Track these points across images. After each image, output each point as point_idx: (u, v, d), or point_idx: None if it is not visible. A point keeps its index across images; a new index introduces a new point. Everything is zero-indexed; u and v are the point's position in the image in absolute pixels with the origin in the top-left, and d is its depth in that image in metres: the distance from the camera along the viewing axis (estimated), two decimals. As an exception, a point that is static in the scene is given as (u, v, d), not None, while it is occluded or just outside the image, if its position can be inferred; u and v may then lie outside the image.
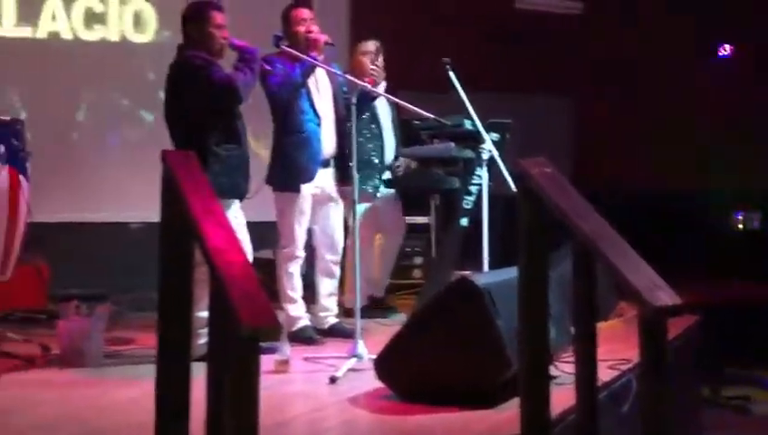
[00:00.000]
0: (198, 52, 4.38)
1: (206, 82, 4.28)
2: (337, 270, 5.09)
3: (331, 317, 5.07)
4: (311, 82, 4.89)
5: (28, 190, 5.00)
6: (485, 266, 4.88)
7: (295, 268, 4.89)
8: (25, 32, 6.68)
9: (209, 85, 4.29)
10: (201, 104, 4.29)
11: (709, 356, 5.32)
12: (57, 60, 6.73)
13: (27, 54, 6.66)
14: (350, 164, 4.47)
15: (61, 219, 6.24)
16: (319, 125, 4.88)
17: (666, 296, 2.30)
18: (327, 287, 5.07)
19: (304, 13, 4.94)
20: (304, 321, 4.90)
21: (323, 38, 4.80)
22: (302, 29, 4.86)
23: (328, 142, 4.94)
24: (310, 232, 5.00)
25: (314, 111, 4.88)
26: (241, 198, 4.44)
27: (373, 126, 5.64)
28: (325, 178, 4.94)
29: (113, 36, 6.89)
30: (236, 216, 4.32)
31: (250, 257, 4.04)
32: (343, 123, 4.99)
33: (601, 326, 4.38)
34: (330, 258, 5.05)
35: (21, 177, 4.97)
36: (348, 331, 4.74)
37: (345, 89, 4.99)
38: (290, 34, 4.85)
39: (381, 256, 5.84)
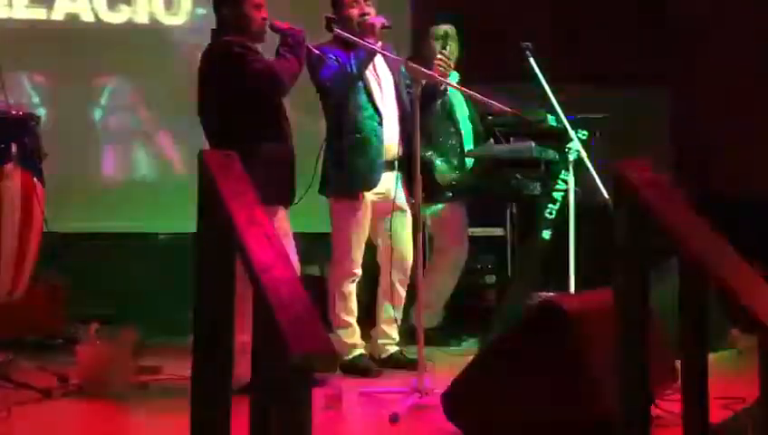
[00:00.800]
0: (235, 36, 4.44)
1: (244, 70, 4.34)
2: (403, 292, 5.10)
3: (391, 346, 5.09)
4: (369, 73, 4.91)
5: (43, 196, 5.07)
6: (572, 287, 4.87)
7: (351, 288, 4.92)
8: (39, 13, 6.77)
9: (248, 74, 4.35)
10: (240, 96, 4.35)
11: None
12: (76, 46, 6.81)
13: (41, 40, 6.74)
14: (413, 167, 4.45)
15: (80, 229, 6.31)
16: (380, 123, 4.89)
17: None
18: (389, 311, 5.09)
19: None
20: (360, 349, 4.93)
21: (380, 21, 4.82)
22: (355, 11, 4.89)
23: (391, 143, 4.95)
24: (369, 246, 5.01)
25: (374, 106, 4.89)
26: (287, 204, 4.47)
27: (449, 123, 5.66)
28: (389, 184, 4.94)
29: (141, 18, 6.95)
30: (281, 225, 4.35)
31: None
32: (409, 120, 4.99)
33: (712, 358, 4.37)
34: (395, 278, 5.04)
35: (35, 180, 5.03)
36: (410, 361, 4.75)
37: (408, 81, 4.99)
38: (341, 18, 4.88)
39: (439, 276, 5.82)
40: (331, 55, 4.82)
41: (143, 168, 6.82)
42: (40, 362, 4.78)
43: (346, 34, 4.74)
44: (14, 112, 5.04)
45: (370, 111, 4.89)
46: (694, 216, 2.66)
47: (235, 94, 4.38)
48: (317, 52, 4.76)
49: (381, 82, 4.99)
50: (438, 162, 5.63)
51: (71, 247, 6.07)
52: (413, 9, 7.40)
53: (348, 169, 4.84)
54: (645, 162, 2.80)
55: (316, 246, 5.46)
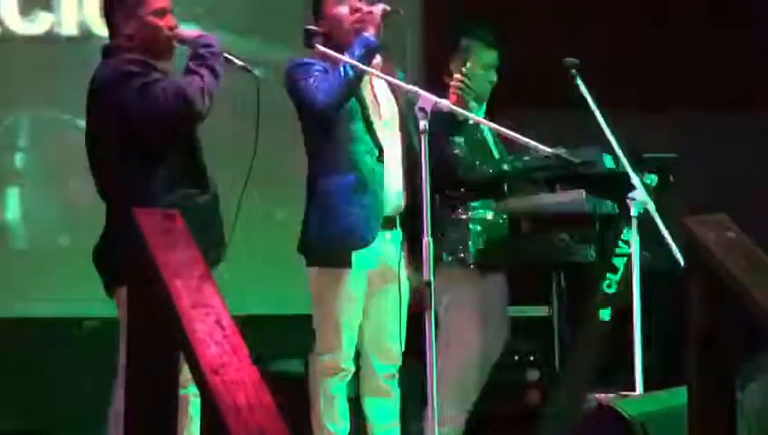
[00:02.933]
0: (131, 54, 4.44)
1: (143, 96, 4.30)
2: (387, 389, 5.08)
3: None
4: (365, 94, 4.93)
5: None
6: (639, 386, 4.89)
7: (339, 388, 4.92)
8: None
9: (149, 101, 4.30)
10: (139, 132, 4.32)
11: None
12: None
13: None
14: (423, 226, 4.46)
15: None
16: (380, 160, 4.90)
17: None
18: (382, 415, 5.06)
19: None
20: None
21: (380, 8, 4.84)
22: (343, 9, 4.92)
23: (393, 188, 4.97)
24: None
25: (373, 138, 4.90)
26: (212, 267, 4.45)
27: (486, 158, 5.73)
28: (388, 246, 4.97)
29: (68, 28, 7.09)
30: None
31: None
32: (416, 159, 5.00)
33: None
34: (385, 372, 5.04)
35: None
36: None
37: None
38: (329, 21, 4.91)
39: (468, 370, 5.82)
40: (318, 66, 4.83)
41: (60, 231, 6.87)
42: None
43: (329, 51, 4.77)
44: None
45: (368, 143, 4.88)
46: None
47: (135, 127, 4.35)
48: (306, 61, 4.83)
49: (381, 105, 5.00)
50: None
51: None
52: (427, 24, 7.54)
53: (337, 221, 4.84)
54: (725, 218, 2.83)
55: (296, 332, 5.47)
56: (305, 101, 4.81)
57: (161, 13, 4.47)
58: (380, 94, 5.01)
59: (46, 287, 6.78)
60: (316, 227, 4.88)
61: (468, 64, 5.57)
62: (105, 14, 4.60)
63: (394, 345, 5.02)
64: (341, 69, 4.73)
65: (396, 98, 5.05)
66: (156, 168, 4.32)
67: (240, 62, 4.56)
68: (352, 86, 4.80)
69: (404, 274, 4.98)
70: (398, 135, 5.03)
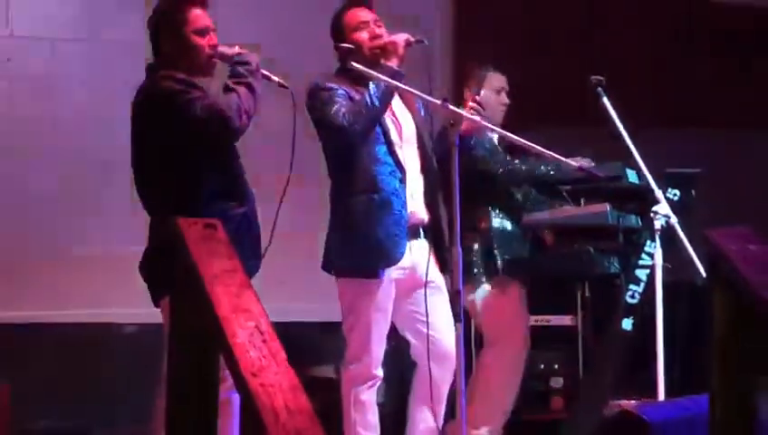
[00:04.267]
0: (174, 71, 4.43)
1: (183, 114, 4.31)
2: (446, 393, 5.00)
3: None
4: (386, 116, 4.92)
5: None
6: (661, 393, 4.87)
7: (370, 395, 4.91)
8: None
9: (189, 119, 4.31)
10: (180, 146, 4.34)
11: None
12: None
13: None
14: (453, 237, 4.45)
15: (24, 319, 6.41)
16: (402, 181, 4.90)
17: None
18: (428, 421, 5.01)
19: (362, 14, 5.00)
20: None
21: (403, 38, 4.85)
22: (365, 35, 4.93)
23: (417, 204, 4.97)
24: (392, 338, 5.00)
25: (395, 159, 4.90)
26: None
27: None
28: (416, 255, 4.93)
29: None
30: None
31: None
32: (433, 173, 5.04)
33: None
34: (438, 375, 4.95)
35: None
36: None
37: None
38: (344, 53, 4.91)
39: (494, 380, 5.81)
40: (341, 91, 4.83)
41: (106, 238, 6.88)
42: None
43: (365, 69, 4.77)
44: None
45: (391, 165, 4.88)
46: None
47: (174, 145, 4.36)
48: (329, 86, 4.82)
49: (402, 128, 5.00)
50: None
51: (12, 342, 6.12)
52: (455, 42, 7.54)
53: (364, 240, 4.83)
54: (747, 231, 2.81)
55: (331, 339, 5.46)
56: (332, 126, 4.78)
57: (203, 32, 4.46)
58: (400, 114, 5.01)
59: (88, 294, 6.81)
60: (343, 245, 4.88)
61: (482, 91, 5.63)
62: (149, 32, 4.56)
63: (445, 350, 4.89)
64: (367, 99, 4.74)
65: (413, 115, 5.06)
66: (196, 181, 4.32)
67: (277, 79, 4.53)
68: (379, 115, 4.81)
69: (438, 276, 4.99)
70: (417, 153, 5.02)
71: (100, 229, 6.87)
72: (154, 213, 4.40)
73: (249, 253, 4.33)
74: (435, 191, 5.01)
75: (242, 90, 4.34)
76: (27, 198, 6.86)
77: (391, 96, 4.82)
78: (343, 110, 4.75)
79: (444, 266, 4.97)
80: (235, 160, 4.46)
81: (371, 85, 4.74)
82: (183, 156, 4.33)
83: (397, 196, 4.83)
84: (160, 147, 4.37)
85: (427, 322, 4.85)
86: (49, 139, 7.00)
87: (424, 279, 4.88)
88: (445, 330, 4.90)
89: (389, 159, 4.85)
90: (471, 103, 5.12)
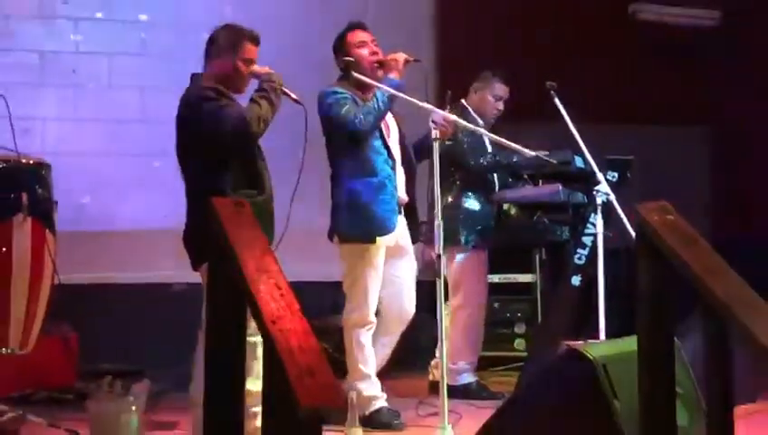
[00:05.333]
0: (212, 83, 4.45)
1: (213, 117, 4.33)
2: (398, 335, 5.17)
3: (381, 399, 5.02)
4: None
5: (55, 246, 5.12)
6: (602, 335, 4.88)
7: (367, 337, 4.95)
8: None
9: (218, 122, 4.33)
10: (210, 144, 4.35)
11: None
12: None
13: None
14: (435, 212, 4.49)
15: (92, 280, 6.40)
16: (393, 168, 4.99)
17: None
18: (387, 349, 5.15)
19: (362, 35, 5.06)
20: (381, 401, 4.95)
21: (403, 57, 4.91)
22: (365, 51, 4.99)
23: (401, 187, 5.08)
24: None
25: (388, 151, 4.99)
26: None
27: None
28: (400, 227, 5.04)
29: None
30: None
31: None
32: (411, 164, 5.15)
33: (747, 409, 4.36)
34: (396, 321, 5.11)
35: (47, 231, 5.10)
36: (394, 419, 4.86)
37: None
38: (348, 65, 4.96)
39: (461, 328, 5.86)
40: (348, 94, 4.92)
41: (156, 214, 6.87)
42: (50, 417, 4.81)
43: (365, 78, 4.82)
44: (24, 161, 5.06)
45: (385, 155, 4.97)
46: (718, 259, 2.68)
47: (206, 143, 4.36)
48: (339, 90, 4.91)
49: (389, 128, 5.09)
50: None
51: (83, 299, 6.12)
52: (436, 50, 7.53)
53: (365, 213, 4.89)
54: (667, 205, 2.82)
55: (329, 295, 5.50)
56: (345, 124, 4.85)
57: (248, 62, 4.50)
58: (388, 118, 5.08)
59: (143, 260, 6.83)
60: (348, 217, 4.93)
61: (485, 94, 5.85)
62: (207, 46, 4.57)
63: (407, 307, 5.11)
64: (376, 102, 4.83)
65: (394, 115, 5.13)
66: (224, 172, 4.31)
67: (294, 96, 4.52)
68: (383, 116, 4.91)
69: (410, 246, 5.13)
70: (398, 147, 5.13)
71: (150, 207, 6.90)
72: (192, 196, 4.42)
73: (266, 230, 4.36)
74: (412, 178, 5.16)
75: (263, 103, 4.35)
76: (98, 185, 6.92)
77: (393, 102, 4.88)
78: (354, 110, 4.85)
79: (415, 238, 5.17)
80: (257, 158, 4.45)
81: (378, 92, 4.82)
82: (212, 152, 4.33)
83: (390, 179, 4.96)
84: (195, 141, 4.37)
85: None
86: (110, 136, 7.04)
87: (401, 247, 5.05)
88: (408, 293, 5.07)
89: (384, 151, 4.95)
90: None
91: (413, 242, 5.16)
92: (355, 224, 4.92)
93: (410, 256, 5.14)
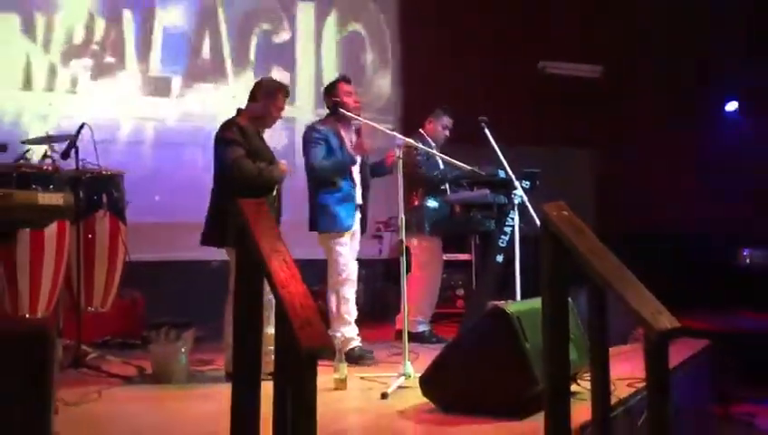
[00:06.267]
0: (245, 120, 4.42)
1: (224, 148, 4.34)
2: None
3: (355, 341, 4.98)
4: (344, 135, 5.03)
5: (126, 234, 5.13)
6: (518, 296, 4.89)
7: (350, 292, 4.95)
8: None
9: (224, 153, 4.34)
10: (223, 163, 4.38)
11: (722, 377, 5.28)
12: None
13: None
14: (400, 210, 4.43)
15: (153, 258, 6.34)
16: (354, 184, 5.03)
17: (666, 321, 2.32)
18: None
19: (348, 87, 5.09)
20: (356, 342, 4.94)
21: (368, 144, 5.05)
22: (351, 100, 5.00)
23: (357, 193, 5.07)
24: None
25: (350, 171, 5.01)
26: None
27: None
28: (356, 221, 5.06)
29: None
30: None
31: None
32: (367, 179, 5.16)
33: (621, 350, 4.41)
34: (354, 288, 5.08)
35: (120, 223, 5.11)
36: (367, 356, 4.84)
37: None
38: (336, 100, 4.97)
39: (420, 291, 5.86)
40: (321, 135, 4.91)
41: (199, 211, 6.83)
42: (123, 357, 4.84)
43: (358, 117, 4.91)
44: (104, 172, 5.11)
45: (347, 174, 4.99)
46: (598, 243, 2.70)
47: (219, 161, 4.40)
48: (319, 129, 4.92)
49: (351, 143, 5.05)
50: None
51: (147, 272, 6.10)
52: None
53: (337, 216, 4.92)
54: (563, 204, 2.82)
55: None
56: (309, 163, 4.90)
57: (279, 109, 4.53)
58: (346, 132, 5.06)
59: (190, 243, 6.79)
60: (323, 217, 4.93)
61: (437, 125, 5.91)
62: (252, 89, 4.57)
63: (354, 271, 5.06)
64: (337, 165, 4.91)
65: (351, 133, 5.09)
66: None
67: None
68: (337, 173, 4.92)
69: (359, 233, 5.14)
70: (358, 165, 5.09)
71: (194, 205, 6.87)
72: (217, 194, 4.41)
73: None
74: (367, 189, 5.15)
75: (262, 173, 4.34)
76: (157, 191, 6.89)
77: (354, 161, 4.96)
78: (320, 155, 4.87)
79: (364, 229, 5.19)
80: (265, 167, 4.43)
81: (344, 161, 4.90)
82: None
83: (352, 192, 4.99)
84: (218, 159, 4.40)
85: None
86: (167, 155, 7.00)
87: (357, 235, 5.09)
88: (353, 260, 5.06)
89: (346, 173, 4.99)
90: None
91: (362, 232, 5.18)
92: (329, 222, 4.92)
93: (357, 240, 5.14)
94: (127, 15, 6.89)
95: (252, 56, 7.42)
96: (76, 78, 6.67)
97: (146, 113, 6.97)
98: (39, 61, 6.52)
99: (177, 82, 7.10)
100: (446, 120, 5.98)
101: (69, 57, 6.65)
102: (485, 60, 8.06)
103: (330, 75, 6.61)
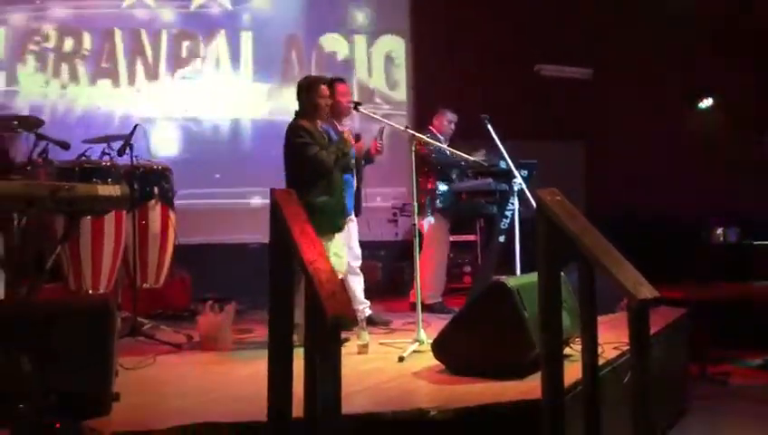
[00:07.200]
0: (305, 120, 4.34)
1: (299, 149, 4.27)
2: (359, 271, 4.99)
3: (367, 309, 4.97)
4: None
5: (175, 221, 5.16)
6: (518, 272, 4.88)
7: (352, 281, 4.92)
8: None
9: (301, 153, 4.26)
10: (299, 166, 4.31)
11: (699, 341, 5.26)
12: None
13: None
14: (414, 203, 4.42)
15: (200, 241, 6.39)
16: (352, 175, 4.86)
17: (647, 291, 2.32)
18: (358, 285, 4.97)
19: (347, 88, 4.99)
20: (368, 310, 4.98)
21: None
22: (345, 100, 4.87)
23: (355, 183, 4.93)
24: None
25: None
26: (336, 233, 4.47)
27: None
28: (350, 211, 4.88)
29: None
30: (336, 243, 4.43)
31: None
32: (361, 170, 5.02)
33: (609, 317, 4.39)
34: (354, 264, 4.94)
35: (170, 211, 5.14)
36: (383, 320, 4.79)
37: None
38: (332, 103, 4.57)
39: (432, 268, 5.84)
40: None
41: (239, 201, 6.89)
42: (174, 326, 4.85)
43: (369, 112, 4.83)
44: (155, 166, 5.15)
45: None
46: (587, 224, 2.68)
47: (297, 164, 4.31)
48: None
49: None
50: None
51: (194, 253, 6.15)
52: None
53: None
54: (556, 190, 2.80)
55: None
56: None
57: (325, 97, 4.39)
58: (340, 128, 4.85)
59: (235, 227, 6.83)
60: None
61: (443, 120, 5.84)
62: (297, 91, 4.45)
63: (358, 251, 4.97)
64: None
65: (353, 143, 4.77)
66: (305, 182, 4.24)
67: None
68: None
69: (354, 219, 4.98)
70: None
71: (236, 196, 6.90)
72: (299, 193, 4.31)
73: (338, 217, 4.45)
74: (360, 180, 5.02)
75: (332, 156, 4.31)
76: (201, 183, 6.86)
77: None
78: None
79: (358, 212, 5.01)
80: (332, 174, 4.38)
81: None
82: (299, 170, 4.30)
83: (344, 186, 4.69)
84: (289, 161, 4.34)
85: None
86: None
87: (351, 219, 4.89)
88: (356, 241, 4.94)
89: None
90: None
91: (356, 215, 4.97)
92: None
93: (354, 222, 4.94)
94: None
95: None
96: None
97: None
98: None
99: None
100: (451, 116, 5.95)
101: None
102: (485, 60, 7.99)
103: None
